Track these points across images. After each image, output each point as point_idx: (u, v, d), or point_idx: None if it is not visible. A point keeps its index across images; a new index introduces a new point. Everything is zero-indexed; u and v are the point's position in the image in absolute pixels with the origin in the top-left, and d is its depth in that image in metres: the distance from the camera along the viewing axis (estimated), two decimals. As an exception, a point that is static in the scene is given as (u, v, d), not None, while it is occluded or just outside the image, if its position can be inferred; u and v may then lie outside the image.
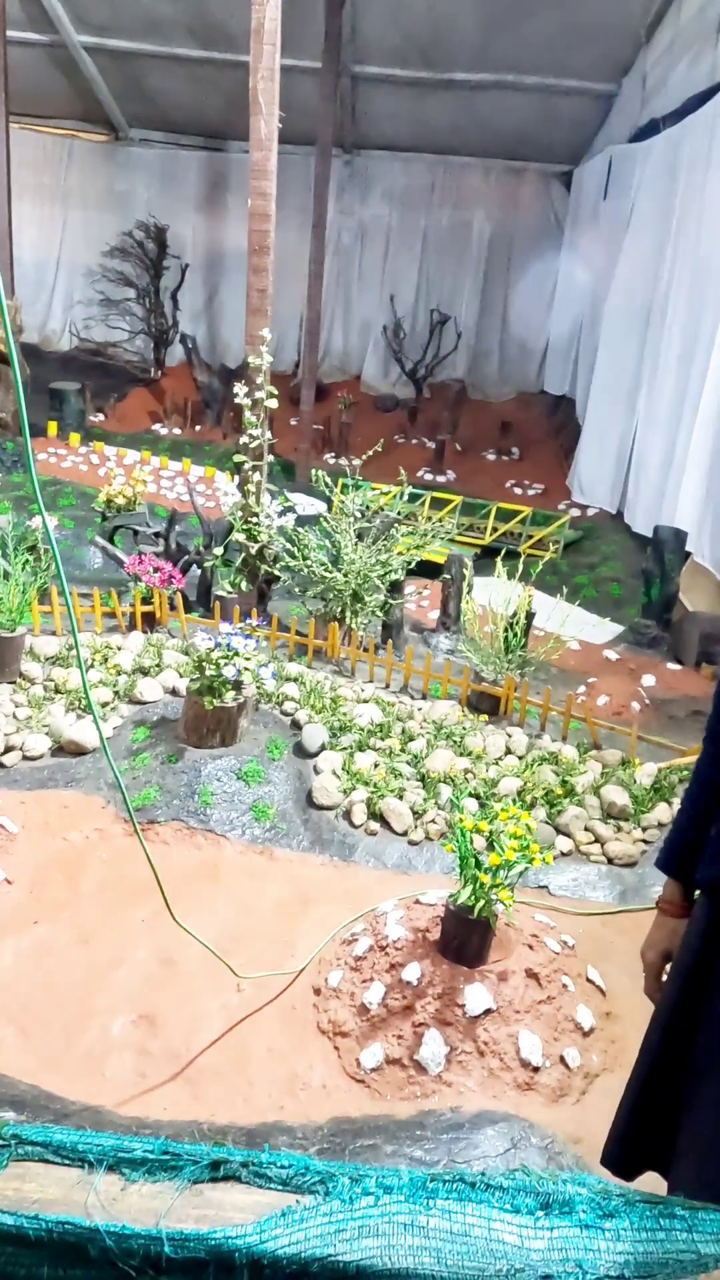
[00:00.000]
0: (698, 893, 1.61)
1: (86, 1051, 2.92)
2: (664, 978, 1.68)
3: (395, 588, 6.00)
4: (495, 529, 9.81)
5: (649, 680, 6.18)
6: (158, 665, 5.01)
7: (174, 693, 4.82)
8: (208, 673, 4.27)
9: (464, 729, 4.73)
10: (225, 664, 4.25)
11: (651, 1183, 1.64)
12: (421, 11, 9.93)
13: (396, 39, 10.57)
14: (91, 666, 4.94)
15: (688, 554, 7.02)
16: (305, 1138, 2.63)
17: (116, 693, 4.75)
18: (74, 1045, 2.94)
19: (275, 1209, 0.95)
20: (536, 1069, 2.85)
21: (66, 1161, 0.99)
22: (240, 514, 5.84)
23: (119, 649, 5.15)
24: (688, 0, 8.37)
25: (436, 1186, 0.98)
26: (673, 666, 6.45)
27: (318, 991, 3.20)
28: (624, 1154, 1.64)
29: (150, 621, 5.63)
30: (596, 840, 4.10)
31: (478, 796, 4.18)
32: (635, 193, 9.37)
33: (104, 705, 4.65)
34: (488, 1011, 2.90)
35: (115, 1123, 2.66)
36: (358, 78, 11.48)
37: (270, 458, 5.80)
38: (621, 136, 10.51)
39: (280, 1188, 0.97)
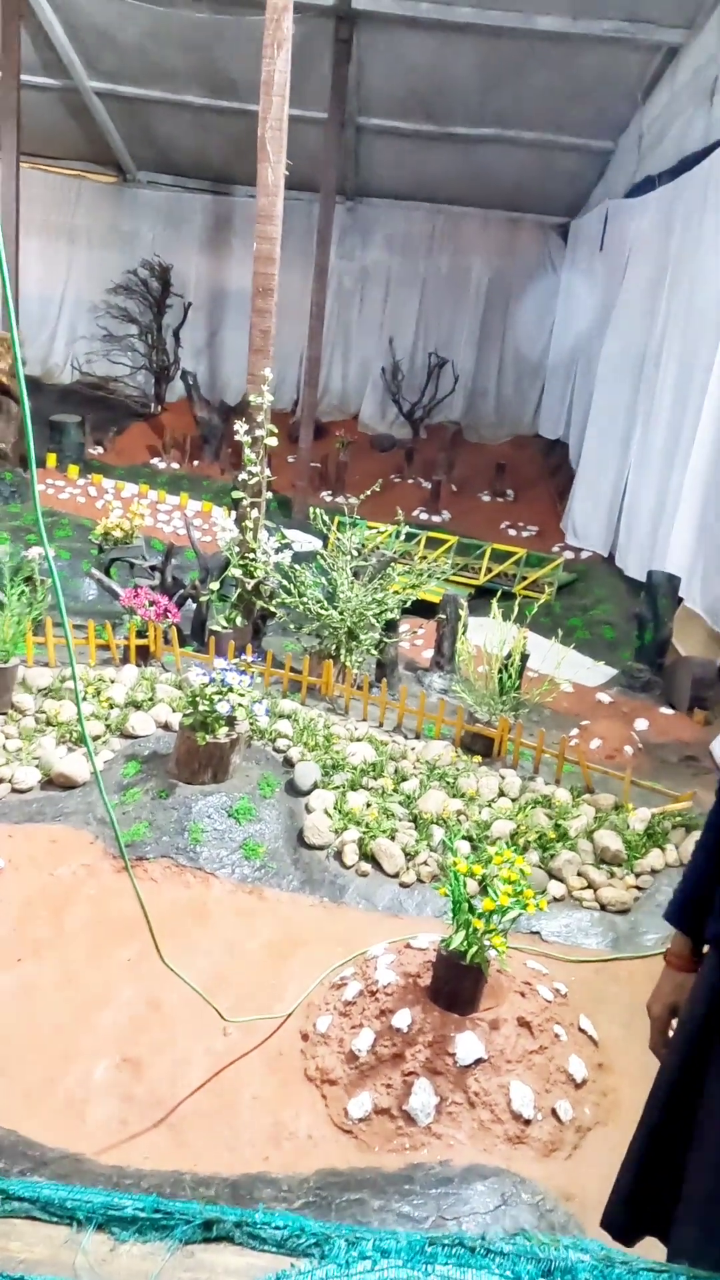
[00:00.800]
0: (706, 947, 1.59)
1: (68, 1096, 2.85)
2: (670, 1033, 1.64)
3: (390, 626, 6.01)
4: (490, 570, 9.87)
5: (642, 724, 6.18)
6: (150, 699, 4.99)
7: (166, 727, 4.79)
8: (201, 708, 4.25)
9: (457, 770, 4.71)
10: (219, 699, 4.23)
11: (651, 1249, 1.59)
12: (424, 67, 10.24)
13: (400, 92, 10.88)
14: (84, 699, 4.91)
15: (680, 598, 7.07)
16: (290, 1190, 2.56)
17: (108, 726, 4.72)
18: (55, 1089, 2.87)
19: (269, 1272, 0.92)
20: (528, 1122, 2.79)
21: (54, 1219, 0.96)
22: (237, 549, 5.86)
23: (112, 682, 5.12)
24: (683, 63, 8.66)
25: (435, 1250, 0.96)
26: (665, 711, 6.45)
27: (305, 1037, 3.13)
28: (627, 1218, 1.59)
29: (144, 655, 5.62)
30: (589, 886, 4.06)
31: (470, 839, 4.15)
32: (631, 246, 9.59)
33: (95, 739, 4.62)
34: (479, 1061, 2.85)
35: (95, 1171, 2.58)
36: (362, 129, 11.79)
37: (268, 494, 5.84)
38: (618, 191, 10.78)
39: (275, 1249, 0.94)
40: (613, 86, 9.79)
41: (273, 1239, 0.95)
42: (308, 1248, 0.95)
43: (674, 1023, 1.63)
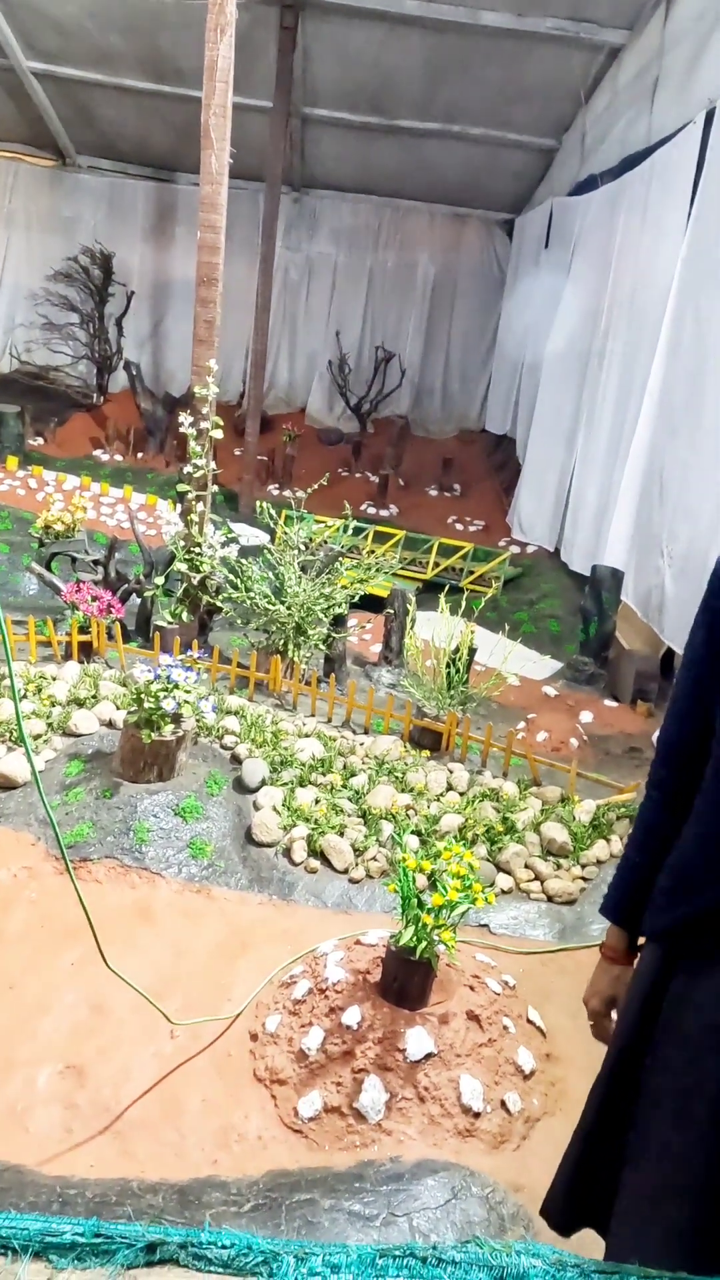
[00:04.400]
0: (642, 939, 1.61)
1: (9, 1106, 2.77)
2: (609, 1022, 1.66)
3: (338, 621, 5.99)
4: (437, 564, 9.91)
5: (587, 717, 6.27)
6: (94, 697, 4.88)
7: (110, 725, 4.69)
8: (146, 705, 4.17)
9: (406, 765, 4.71)
10: (164, 696, 4.16)
11: (590, 1242, 1.61)
12: (370, 59, 10.19)
13: (346, 84, 10.81)
14: (24, 697, 4.78)
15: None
16: (240, 1194, 2.53)
17: (50, 725, 4.61)
18: (-5, 1099, 2.78)
19: (215, 1294, 0.89)
20: (477, 1115, 2.80)
21: (-12, 1248, 0.92)
22: (182, 543, 5.77)
23: (54, 679, 5.00)
24: (625, 64, 8.77)
25: (386, 1263, 0.94)
26: (609, 703, 6.55)
27: (254, 1037, 3.10)
28: (566, 1210, 1.60)
29: (87, 651, 5.50)
30: (536, 878, 4.10)
31: (419, 833, 4.16)
32: (575, 243, 9.69)
33: (36, 738, 4.50)
34: (429, 1056, 2.85)
35: (38, 1183, 2.52)
36: (307, 119, 11.69)
37: (214, 488, 5.76)
38: (562, 189, 10.89)
39: (221, 1270, 0.92)
40: (556, 85, 9.87)
41: (219, 1259, 0.92)
42: (255, 1266, 0.92)
43: (613, 1015, 1.64)
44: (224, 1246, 0.92)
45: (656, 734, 5.82)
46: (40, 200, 13.91)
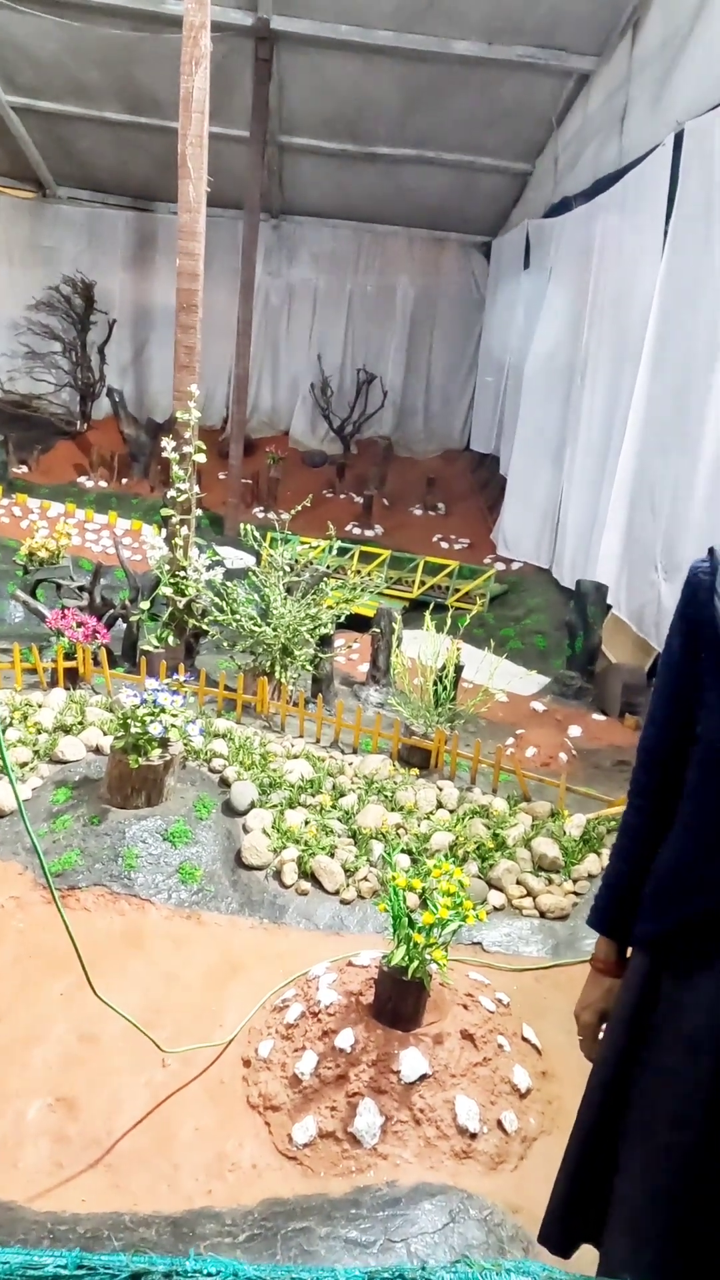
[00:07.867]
0: (630, 950, 1.60)
1: (-2, 1141, 2.72)
2: (600, 1037, 1.65)
3: (325, 641, 5.99)
4: (423, 582, 9.94)
5: (575, 731, 6.28)
6: (80, 723, 4.86)
7: (97, 751, 4.66)
8: (133, 730, 4.15)
9: (395, 783, 4.70)
10: (151, 721, 4.14)
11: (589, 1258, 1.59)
12: (346, 88, 10.35)
13: (322, 113, 10.97)
14: (10, 725, 4.75)
15: (609, 606, 7.22)
16: (234, 1224, 2.49)
17: (36, 752, 4.57)
18: (-16, 1135, 2.74)
19: (202, 1323, 0.87)
20: (474, 1136, 2.77)
21: (-31, 1283, 0.90)
22: (168, 567, 5.77)
23: (39, 706, 4.98)
24: (594, 90, 8.94)
25: (375, 1285, 0.93)
26: (597, 717, 6.57)
27: (247, 1063, 3.07)
28: (563, 1232, 1.58)
29: (73, 677, 5.48)
30: (528, 894, 4.08)
31: (410, 852, 4.14)
32: (552, 264, 9.84)
33: (23, 765, 4.47)
34: (423, 1077, 2.82)
35: (28, 1219, 2.47)
36: (285, 147, 11.85)
37: (198, 511, 5.77)
38: (537, 211, 11.06)
39: (207, 1298, 0.90)
40: (528, 111, 10.05)
41: (205, 1287, 0.90)
42: (242, 1293, 0.90)
43: (603, 1028, 1.63)
44: (209, 1274, 0.91)
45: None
46: (21, 231, 14.00)
